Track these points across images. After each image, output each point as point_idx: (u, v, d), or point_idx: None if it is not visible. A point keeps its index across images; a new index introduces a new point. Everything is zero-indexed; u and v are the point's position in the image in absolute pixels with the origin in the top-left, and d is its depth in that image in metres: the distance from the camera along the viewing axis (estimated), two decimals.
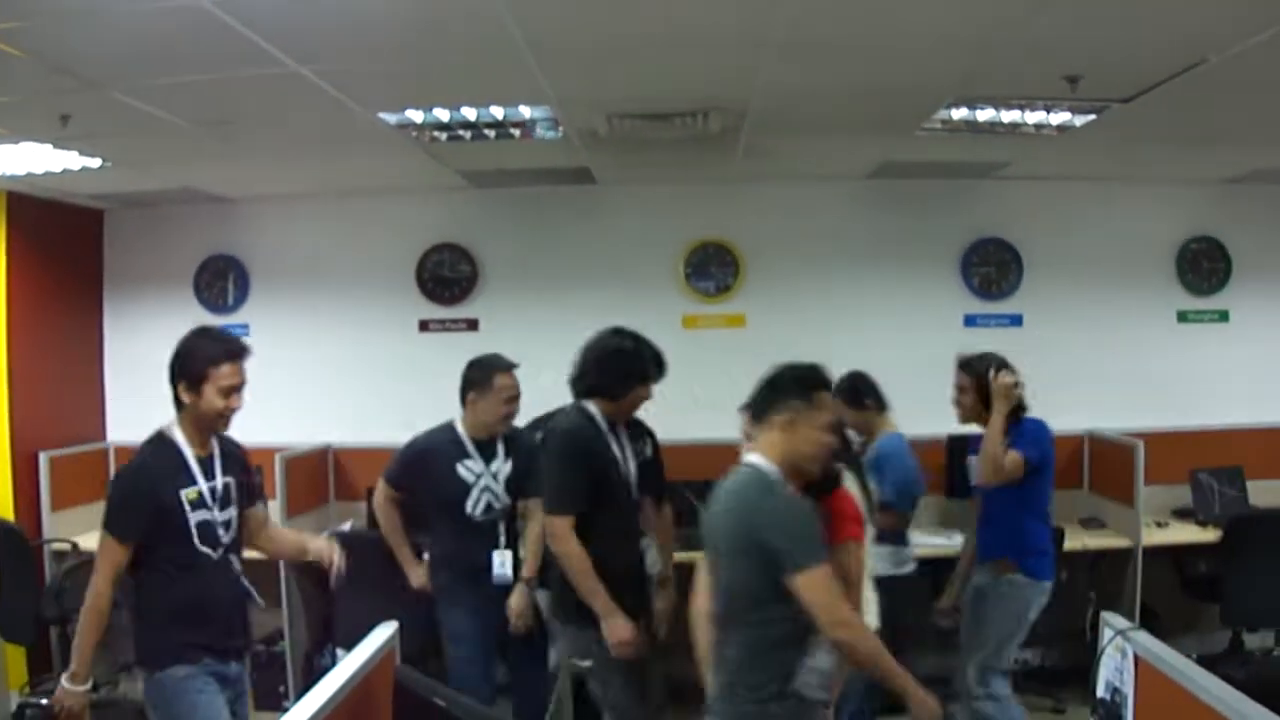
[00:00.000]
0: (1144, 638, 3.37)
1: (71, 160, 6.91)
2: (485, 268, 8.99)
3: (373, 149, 7.04)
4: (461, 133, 6.59)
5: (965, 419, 6.35)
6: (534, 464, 5.82)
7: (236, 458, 5.05)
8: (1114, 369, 8.35)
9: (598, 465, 5.38)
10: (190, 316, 8.91)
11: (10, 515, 7.80)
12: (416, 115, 6.22)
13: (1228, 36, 4.77)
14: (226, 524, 4.80)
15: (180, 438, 4.84)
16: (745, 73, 5.46)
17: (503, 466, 6.19)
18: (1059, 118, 6.43)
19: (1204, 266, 8.96)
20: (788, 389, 4.14)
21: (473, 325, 8.97)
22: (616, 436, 5.55)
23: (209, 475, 4.80)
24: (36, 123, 5.94)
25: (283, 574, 7.61)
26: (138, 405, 8.88)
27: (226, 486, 4.85)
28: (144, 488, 4.69)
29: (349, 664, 3.14)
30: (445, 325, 8.88)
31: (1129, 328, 8.59)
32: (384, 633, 3.56)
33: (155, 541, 4.65)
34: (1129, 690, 3.40)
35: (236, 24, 4.31)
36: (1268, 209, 8.90)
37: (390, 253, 9.00)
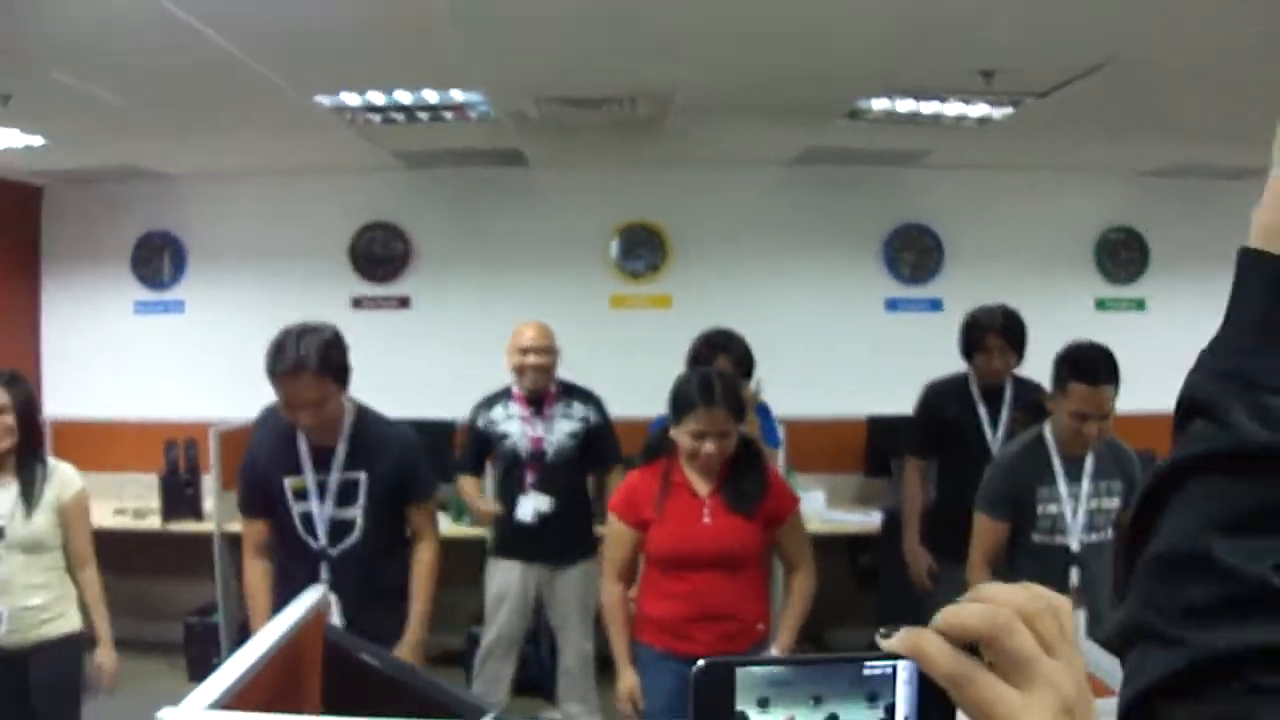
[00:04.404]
0: None
1: (12, 138, 6.97)
2: (418, 246, 9.08)
3: (308, 130, 7.13)
4: (395, 115, 6.69)
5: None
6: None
7: (390, 454, 4.76)
8: (1033, 354, 8.54)
9: None
10: (127, 293, 9.02)
11: None
12: (351, 98, 6.32)
13: (1134, 38, 4.94)
14: (345, 523, 4.65)
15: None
16: (668, 61, 5.60)
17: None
18: (978, 110, 6.56)
19: (1122, 256, 9.14)
20: None
21: (404, 303, 9.06)
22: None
23: (322, 468, 4.65)
24: None
25: (215, 544, 7.70)
26: (73, 380, 8.97)
27: (349, 484, 4.66)
28: (252, 466, 4.77)
29: (279, 624, 3.25)
30: (377, 303, 8.96)
31: (1048, 314, 8.64)
32: (313, 594, 3.68)
33: (273, 523, 4.72)
34: None
35: (173, 8, 4.40)
36: (1184, 202, 9.04)
37: (324, 230, 9.05)
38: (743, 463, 4.58)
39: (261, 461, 4.77)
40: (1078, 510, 4.77)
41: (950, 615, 0.86)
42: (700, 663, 0.85)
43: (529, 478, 6.22)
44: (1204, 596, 0.83)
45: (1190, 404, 0.91)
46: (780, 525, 4.63)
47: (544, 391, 6.26)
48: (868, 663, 0.86)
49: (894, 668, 0.86)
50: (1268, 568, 0.81)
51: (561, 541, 6.22)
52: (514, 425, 6.27)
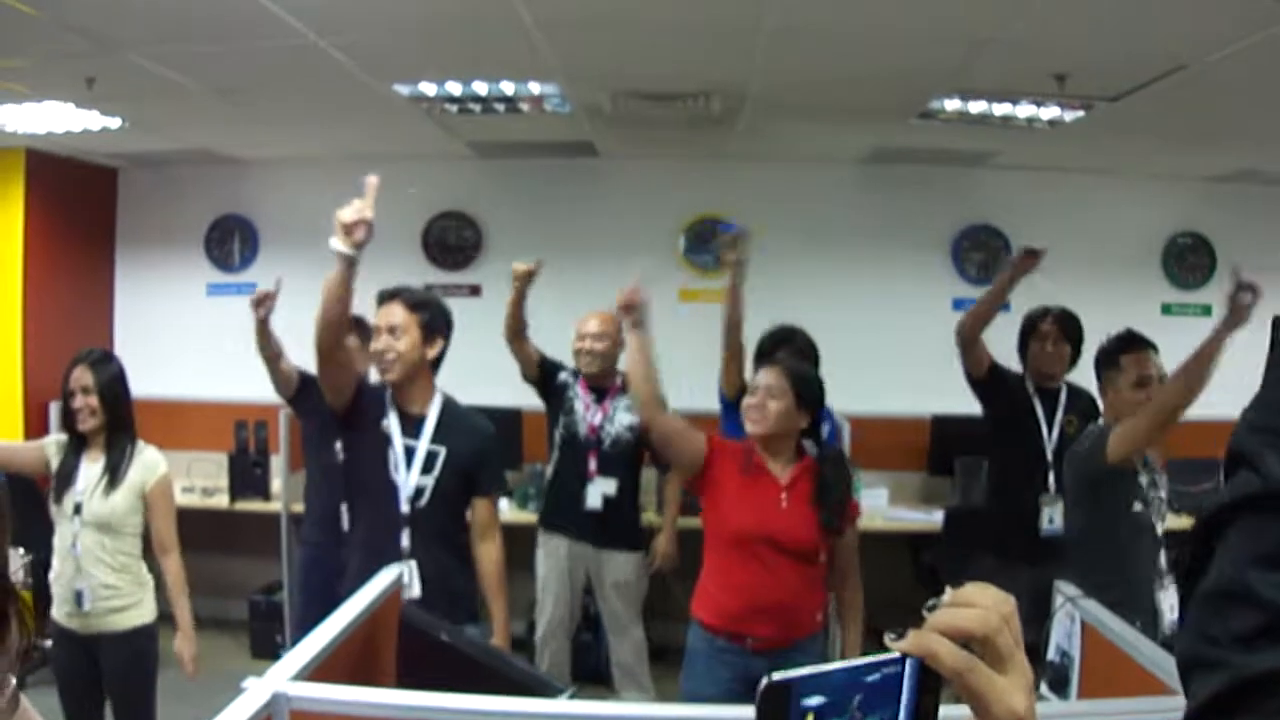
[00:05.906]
0: (1091, 605, 3.58)
1: (92, 120, 7.06)
2: (489, 236, 9.16)
3: (385, 118, 7.21)
4: (472, 106, 6.77)
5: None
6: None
7: (470, 439, 4.79)
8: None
9: None
10: (199, 275, 9.11)
11: None
12: (429, 88, 6.41)
13: (1205, 45, 4.93)
14: (416, 491, 4.63)
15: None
16: (743, 58, 5.63)
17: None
18: (1049, 113, 6.55)
19: (1189, 261, 9.10)
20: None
21: (476, 291, 9.12)
22: None
23: (410, 433, 4.69)
24: (60, 84, 6.12)
25: (283, 524, 7.84)
26: (146, 360, 9.04)
27: (432, 455, 4.68)
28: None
29: (358, 601, 3.32)
30: (449, 290, 8.89)
31: (1114, 317, 8.53)
32: (391, 573, 3.75)
33: (352, 443, 4.79)
34: (1076, 653, 3.63)
35: None
36: (1254, 208, 8.96)
37: (397, 218, 9.04)
38: (830, 475, 4.67)
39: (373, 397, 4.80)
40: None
41: (951, 618, 1.10)
42: (763, 681, 1.05)
43: (592, 464, 6.35)
44: (1245, 624, 0.93)
45: (1234, 455, 1.02)
46: (840, 533, 4.71)
47: (608, 382, 6.42)
48: (884, 665, 1.08)
49: (902, 662, 1.08)
50: None
51: (611, 526, 6.38)
52: (579, 404, 6.45)
